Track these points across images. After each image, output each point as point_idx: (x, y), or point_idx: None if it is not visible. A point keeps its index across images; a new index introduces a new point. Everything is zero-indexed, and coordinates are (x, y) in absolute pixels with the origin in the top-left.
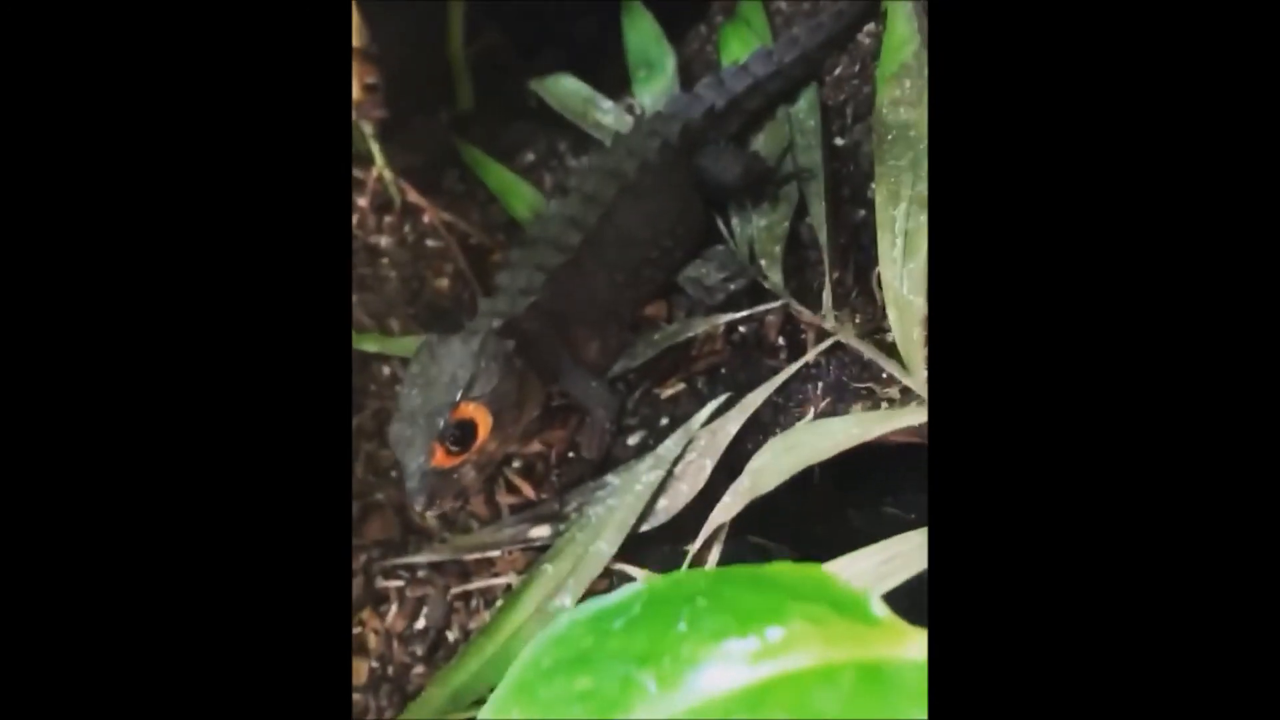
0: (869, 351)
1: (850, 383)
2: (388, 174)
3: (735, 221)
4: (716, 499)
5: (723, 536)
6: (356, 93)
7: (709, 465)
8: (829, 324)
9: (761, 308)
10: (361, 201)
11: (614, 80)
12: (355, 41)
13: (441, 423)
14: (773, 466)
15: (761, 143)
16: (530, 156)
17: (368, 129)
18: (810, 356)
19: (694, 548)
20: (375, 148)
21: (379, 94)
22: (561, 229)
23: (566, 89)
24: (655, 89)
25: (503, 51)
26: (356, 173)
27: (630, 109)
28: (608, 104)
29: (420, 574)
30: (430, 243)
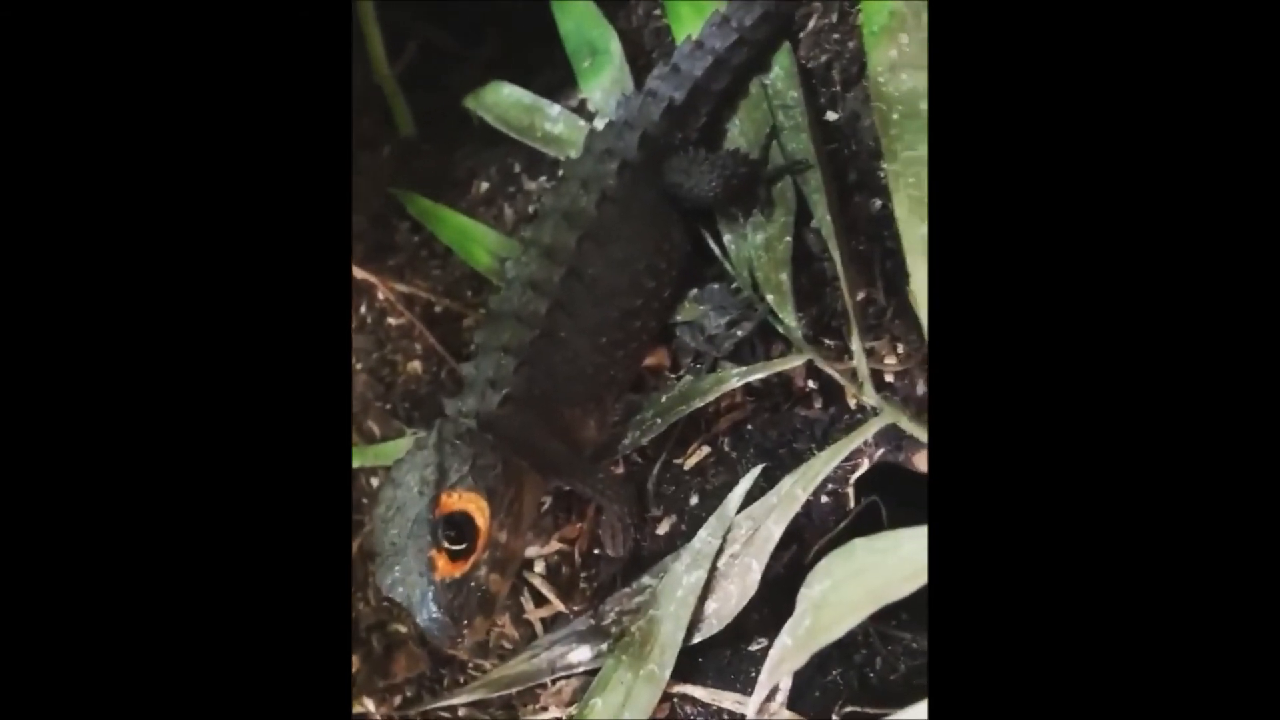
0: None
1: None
2: None
3: (727, 238)
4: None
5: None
6: None
7: (756, 566)
8: (868, 397)
9: (779, 365)
10: None
11: (556, 77)
12: None
13: (429, 525)
14: (835, 602)
15: (738, 129)
16: (484, 185)
17: None
18: (858, 443)
19: (758, 699)
20: None
21: None
22: (524, 298)
23: (506, 100)
24: (603, 78)
25: (434, 50)
26: None
27: (580, 107)
28: (555, 109)
29: (462, 713)
30: (392, 320)
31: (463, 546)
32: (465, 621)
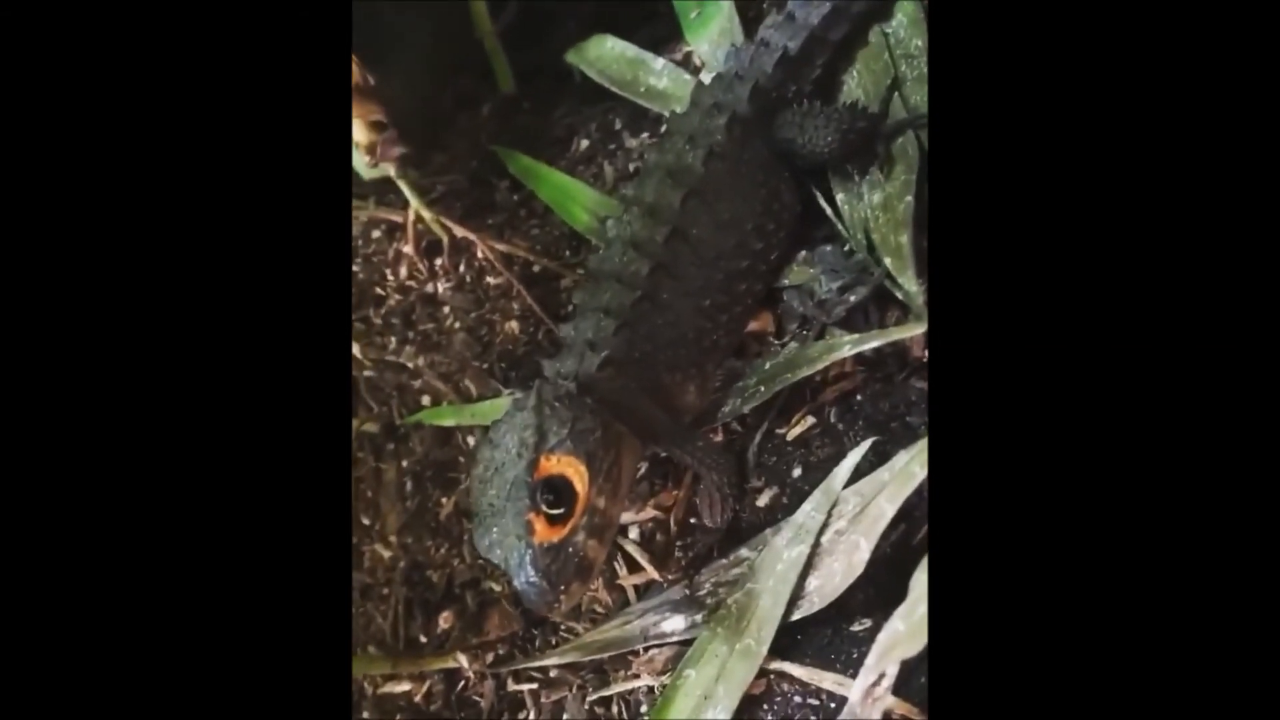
0: None
1: None
2: (426, 212)
3: (840, 197)
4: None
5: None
6: (366, 136)
7: (865, 545)
8: None
9: (897, 333)
10: (406, 248)
11: (661, 29)
12: (353, 80)
13: (527, 488)
14: None
15: (856, 81)
16: (584, 143)
17: (391, 169)
18: None
19: (864, 683)
20: (405, 187)
21: (391, 130)
22: (625, 258)
23: (609, 54)
24: (711, 29)
25: (535, 4)
26: (394, 217)
27: (686, 61)
28: (659, 62)
29: (553, 674)
30: (491, 280)
31: (561, 511)
32: (562, 587)
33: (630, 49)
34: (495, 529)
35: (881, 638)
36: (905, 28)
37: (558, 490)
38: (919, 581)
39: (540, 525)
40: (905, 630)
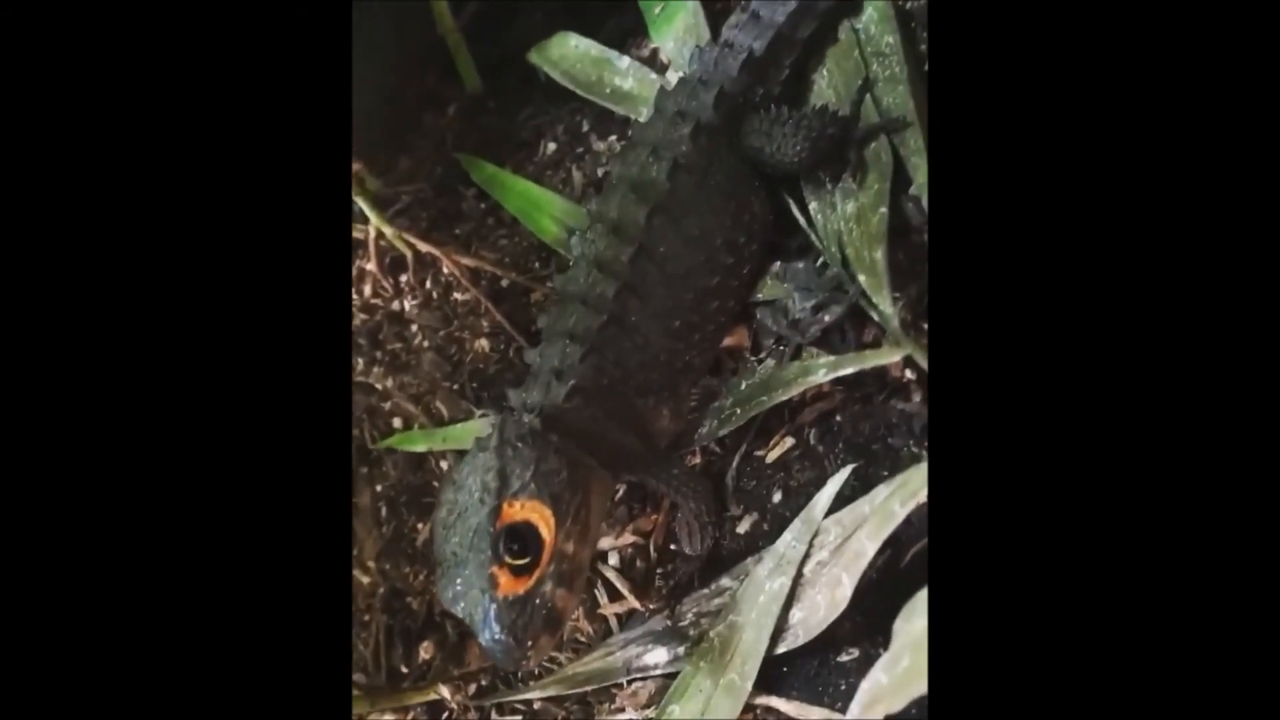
0: None
1: None
2: (388, 228)
3: (813, 206)
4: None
5: None
6: None
7: (847, 580)
8: None
9: (873, 358)
10: (370, 266)
11: (626, 22)
12: None
13: (489, 538)
14: None
15: (827, 81)
16: (551, 146)
17: None
18: None
19: None
20: (364, 203)
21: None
22: (591, 280)
23: (573, 53)
24: (676, 26)
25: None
26: (356, 234)
27: (652, 58)
28: (624, 61)
29: (537, 707)
30: (459, 296)
31: (526, 560)
32: (529, 642)
33: (595, 48)
34: (459, 581)
35: (865, 686)
36: (875, 24)
37: (522, 538)
38: (902, 629)
39: (504, 577)
40: (889, 683)
